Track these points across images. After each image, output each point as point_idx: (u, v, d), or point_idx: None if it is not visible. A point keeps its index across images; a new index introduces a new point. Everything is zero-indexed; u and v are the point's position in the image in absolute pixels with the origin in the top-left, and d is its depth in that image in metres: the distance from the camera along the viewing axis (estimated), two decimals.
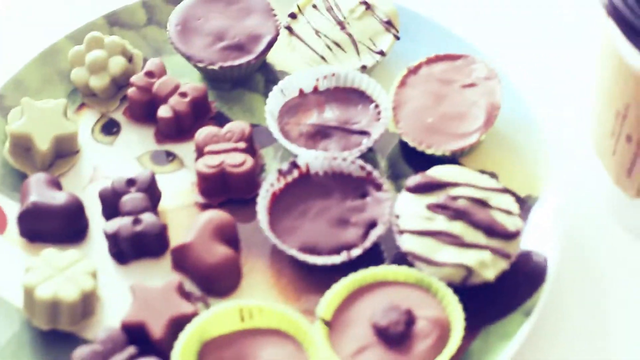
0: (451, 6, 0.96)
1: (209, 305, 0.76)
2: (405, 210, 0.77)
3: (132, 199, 0.79)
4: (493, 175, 0.83)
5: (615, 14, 0.71)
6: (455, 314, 0.73)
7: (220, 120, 0.87)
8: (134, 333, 0.73)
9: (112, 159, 0.85)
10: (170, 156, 0.85)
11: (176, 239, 0.81)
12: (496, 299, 0.76)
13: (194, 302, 0.76)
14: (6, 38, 0.95)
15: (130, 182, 0.80)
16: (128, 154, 0.86)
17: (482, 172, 0.83)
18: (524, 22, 0.95)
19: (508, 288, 0.76)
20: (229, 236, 0.78)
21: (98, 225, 0.81)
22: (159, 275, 0.78)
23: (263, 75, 0.90)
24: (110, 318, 0.77)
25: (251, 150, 0.83)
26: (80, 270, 0.75)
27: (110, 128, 0.87)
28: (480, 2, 0.96)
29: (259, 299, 0.77)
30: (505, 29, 0.94)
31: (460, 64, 0.86)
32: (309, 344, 0.72)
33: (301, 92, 0.86)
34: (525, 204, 0.81)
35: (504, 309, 0.75)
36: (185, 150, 0.86)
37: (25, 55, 0.93)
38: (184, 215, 0.82)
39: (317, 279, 0.78)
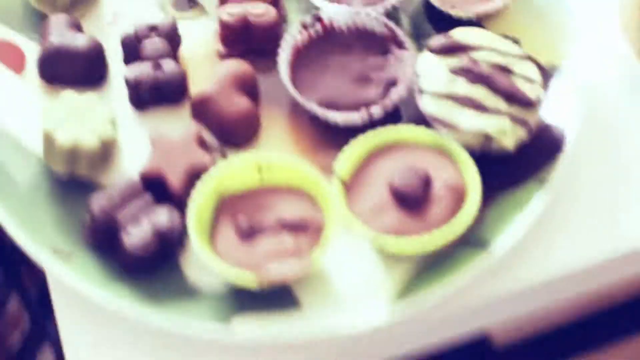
0: None
1: (227, 156, 0.77)
2: (427, 71, 0.77)
3: (152, 43, 0.79)
4: (516, 41, 0.82)
5: None
6: (472, 180, 0.74)
7: None
8: (152, 183, 0.74)
9: (133, 2, 0.85)
10: (192, 2, 0.85)
11: (196, 87, 0.81)
12: (513, 166, 0.77)
13: (212, 152, 0.77)
14: None
15: (152, 28, 0.80)
16: None
17: (505, 36, 0.83)
18: None
19: (525, 156, 0.77)
20: (249, 87, 0.79)
21: (118, 70, 0.82)
22: (177, 122, 0.79)
23: None
24: (128, 165, 0.78)
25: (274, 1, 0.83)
26: (100, 116, 0.76)
27: None
28: None
29: (277, 153, 0.78)
30: None
31: None
32: (325, 201, 0.73)
33: None
34: (546, 73, 0.81)
35: (520, 177, 0.76)
36: None
37: None
38: (205, 64, 0.82)
39: (336, 135, 0.79)
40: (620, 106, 0.81)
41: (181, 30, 0.83)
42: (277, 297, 0.72)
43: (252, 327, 0.70)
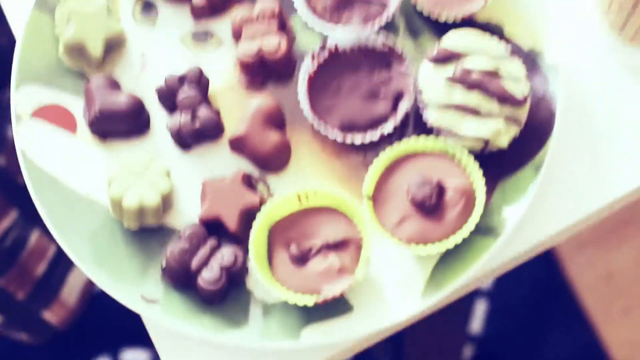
0: None
1: (268, 184, 0.94)
2: (427, 83, 0.92)
3: (186, 94, 0.94)
4: (499, 26, 0.97)
5: None
6: (478, 180, 0.91)
7: None
8: (211, 224, 0.92)
9: (156, 42, 1.00)
10: (210, 34, 0.99)
11: (227, 118, 0.97)
12: (509, 155, 0.94)
13: (256, 184, 0.94)
14: None
15: (182, 79, 0.95)
16: (170, 35, 1.00)
17: (489, 23, 0.97)
18: None
19: (519, 145, 0.94)
20: (276, 118, 0.94)
21: (157, 113, 0.97)
22: (219, 156, 0.96)
23: None
24: (186, 205, 0.95)
25: (282, 26, 0.97)
26: (155, 172, 0.93)
27: (148, 9, 1.00)
28: None
29: (308, 170, 0.95)
30: None
31: None
32: (359, 218, 0.91)
33: None
34: (528, 57, 0.96)
35: (517, 164, 0.93)
36: (221, 26, 1.00)
37: None
38: (231, 95, 0.97)
39: (358, 150, 0.96)
40: (596, 81, 0.98)
41: (204, 64, 0.98)
42: (333, 306, 0.91)
43: (318, 335, 0.89)
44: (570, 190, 0.96)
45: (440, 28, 0.98)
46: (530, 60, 0.96)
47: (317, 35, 0.99)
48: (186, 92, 0.95)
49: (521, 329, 1.58)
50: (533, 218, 0.95)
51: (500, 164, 0.94)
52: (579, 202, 0.95)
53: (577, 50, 0.99)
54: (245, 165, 0.96)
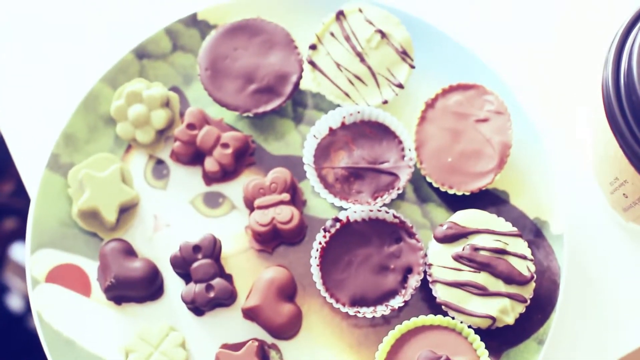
0: (462, 21, 1.16)
1: (280, 350, 1.03)
2: (435, 260, 1.02)
3: (201, 266, 1.03)
4: (506, 193, 1.06)
5: (616, 129, 0.92)
6: (485, 356, 1.00)
7: (260, 153, 1.09)
8: None
9: (168, 204, 1.09)
10: (221, 197, 1.08)
11: (239, 282, 1.06)
12: (513, 327, 1.04)
13: (268, 350, 1.03)
14: (41, 89, 1.14)
15: (196, 248, 1.04)
16: (181, 197, 1.09)
17: (496, 190, 1.07)
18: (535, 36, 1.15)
19: (523, 316, 1.04)
20: (288, 291, 1.04)
21: (170, 276, 1.06)
22: (232, 320, 1.05)
23: (290, 99, 1.10)
24: None
25: (294, 193, 1.06)
26: (171, 343, 1.02)
27: (160, 171, 1.09)
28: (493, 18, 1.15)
29: (319, 338, 1.05)
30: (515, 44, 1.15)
31: (472, 95, 1.06)
32: None
33: (330, 129, 1.07)
34: (533, 227, 1.06)
35: (521, 336, 1.03)
36: (232, 190, 1.09)
37: (64, 103, 1.12)
38: (243, 259, 1.07)
39: (368, 322, 1.05)
40: (596, 247, 1.09)
41: (216, 228, 1.07)
42: None
43: None
44: (574, 354, 1.06)
45: (449, 197, 1.08)
46: (535, 229, 1.06)
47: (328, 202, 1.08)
48: (201, 262, 1.04)
49: None
50: None
51: (505, 334, 1.04)
52: None
53: (580, 220, 1.10)
54: (257, 330, 1.05)
